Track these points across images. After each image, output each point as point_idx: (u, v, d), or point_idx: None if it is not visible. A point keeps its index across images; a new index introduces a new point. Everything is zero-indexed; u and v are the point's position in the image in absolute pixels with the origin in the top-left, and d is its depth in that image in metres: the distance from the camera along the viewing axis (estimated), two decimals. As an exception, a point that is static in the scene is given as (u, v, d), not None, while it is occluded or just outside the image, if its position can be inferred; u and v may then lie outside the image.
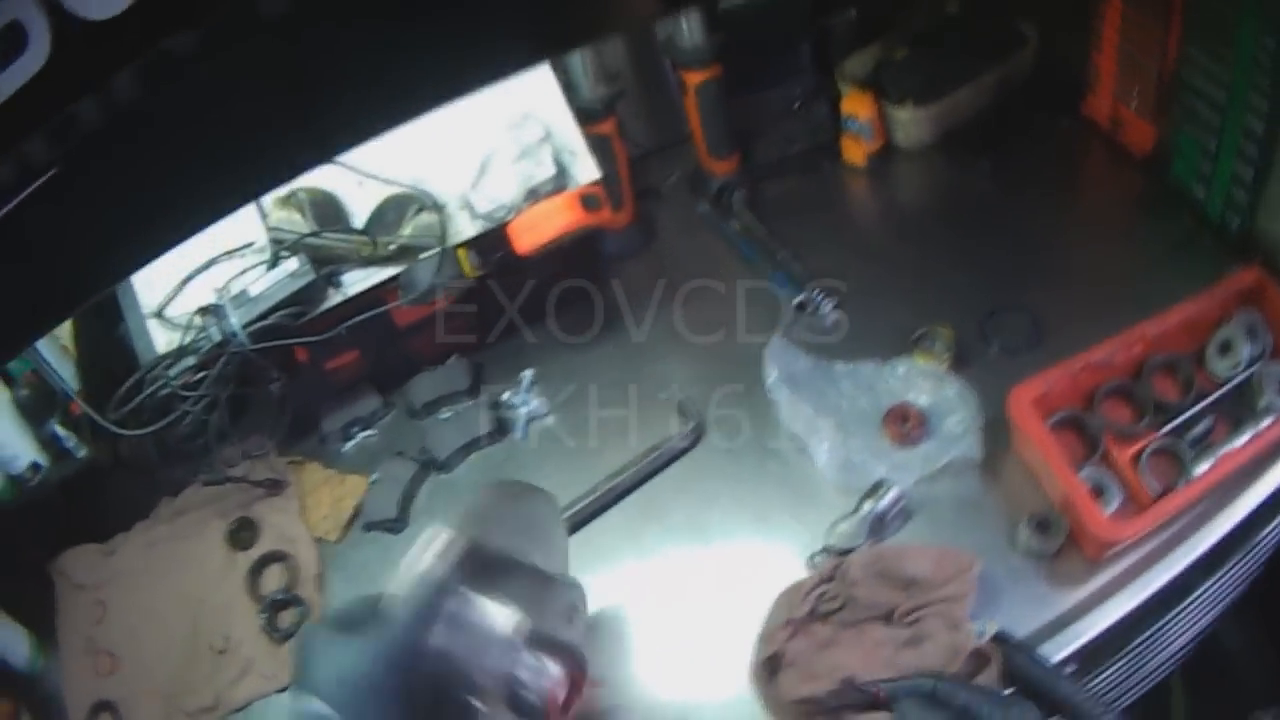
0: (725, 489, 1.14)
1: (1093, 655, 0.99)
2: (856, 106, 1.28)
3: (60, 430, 1.27)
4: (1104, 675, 1.06)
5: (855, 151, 1.32)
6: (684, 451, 1.15)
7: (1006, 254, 1.23)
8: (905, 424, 1.14)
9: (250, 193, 0.78)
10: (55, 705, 1.22)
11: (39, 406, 1.27)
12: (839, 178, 1.33)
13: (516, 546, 0.88)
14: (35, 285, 0.70)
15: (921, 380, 1.16)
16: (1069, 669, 0.96)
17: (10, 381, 1.27)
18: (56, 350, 1.30)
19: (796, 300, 1.22)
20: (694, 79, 1.24)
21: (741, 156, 1.32)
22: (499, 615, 0.80)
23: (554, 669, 0.82)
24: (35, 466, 1.29)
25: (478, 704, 0.77)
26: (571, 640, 0.86)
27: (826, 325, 1.22)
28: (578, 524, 1.13)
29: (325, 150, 0.69)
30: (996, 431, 1.08)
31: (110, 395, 1.20)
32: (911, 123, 1.30)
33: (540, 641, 0.82)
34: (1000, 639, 0.95)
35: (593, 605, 1.04)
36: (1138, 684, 1.14)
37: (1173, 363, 1.08)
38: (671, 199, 1.35)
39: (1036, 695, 0.93)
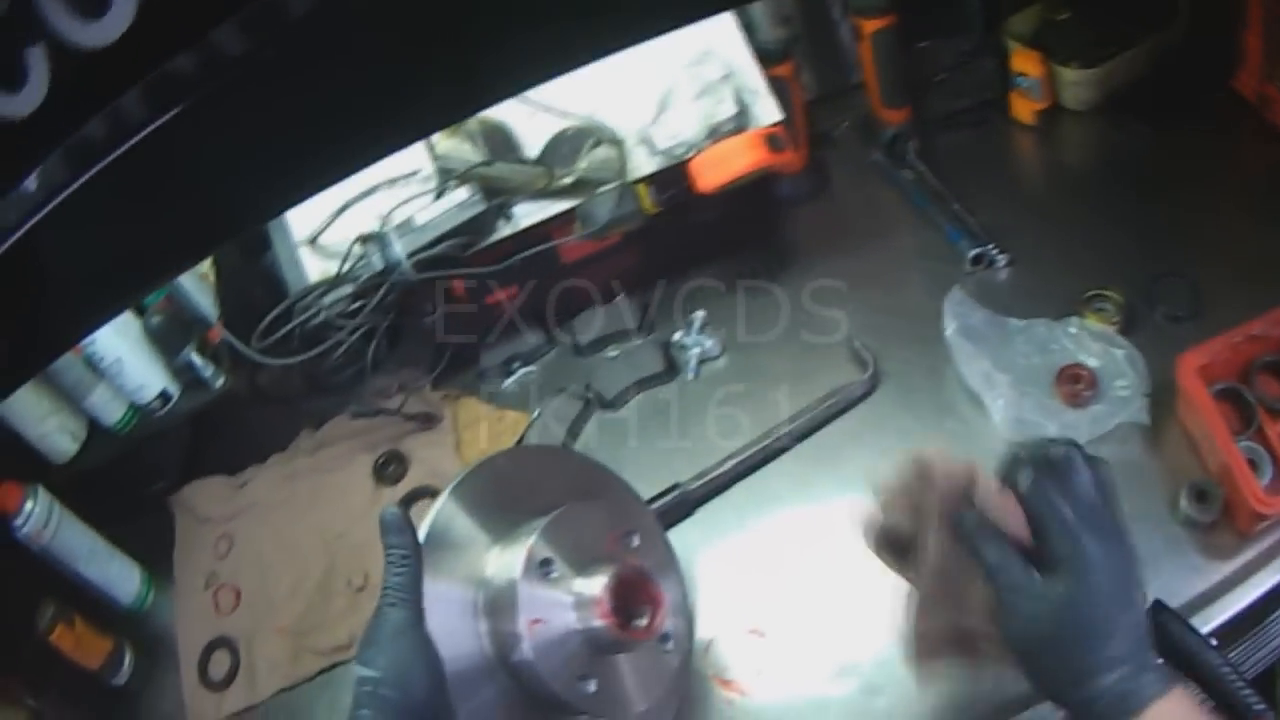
0: (899, 441, 1.11)
1: (1235, 629, 0.97)
2: (1026, 64, 1.26)
3: (197, 359, 1.23)
4: (1238, 649, 1.05)
5: (1024, 109, 1.30)
6: (859, 400, 1.13)
7: (1167, 221, 1.21)
8: (1077, 384, 1.11)
9: (414, 134, 0.74)
10: (164, 642, 1.19)
11: (173, 334, 1.24)
12: (1007, 134, 1.31)
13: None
14: (185, 212, 0.66)
15: (1092, 342, 1.14)
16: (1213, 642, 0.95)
17: (142, 309, 1.23)
18: (194, 277, 1.26)
19: (972, 253, 1.19)
20: (870, 26, 1.22)
21: (912, 108, 1.30)
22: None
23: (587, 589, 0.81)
24: (165, 396, 1.26)
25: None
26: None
27: (1000, 280, 1.20)
28: (749, 470, 1.10)
29: (499, 92, 0.65)
30: (1159, 398, 1.07)
31: (253, 324, 1.16)
32: (1079, 84, 1.28)
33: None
34: (1157, 607, 0.94)
35: (758, 551, 1.04)
36: (1259, 661, 1.14)
37: (1318, 342, 1.06)
38: (842, 147, 1.32)
39: (1188, 667, 0.91)
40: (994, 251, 1.20)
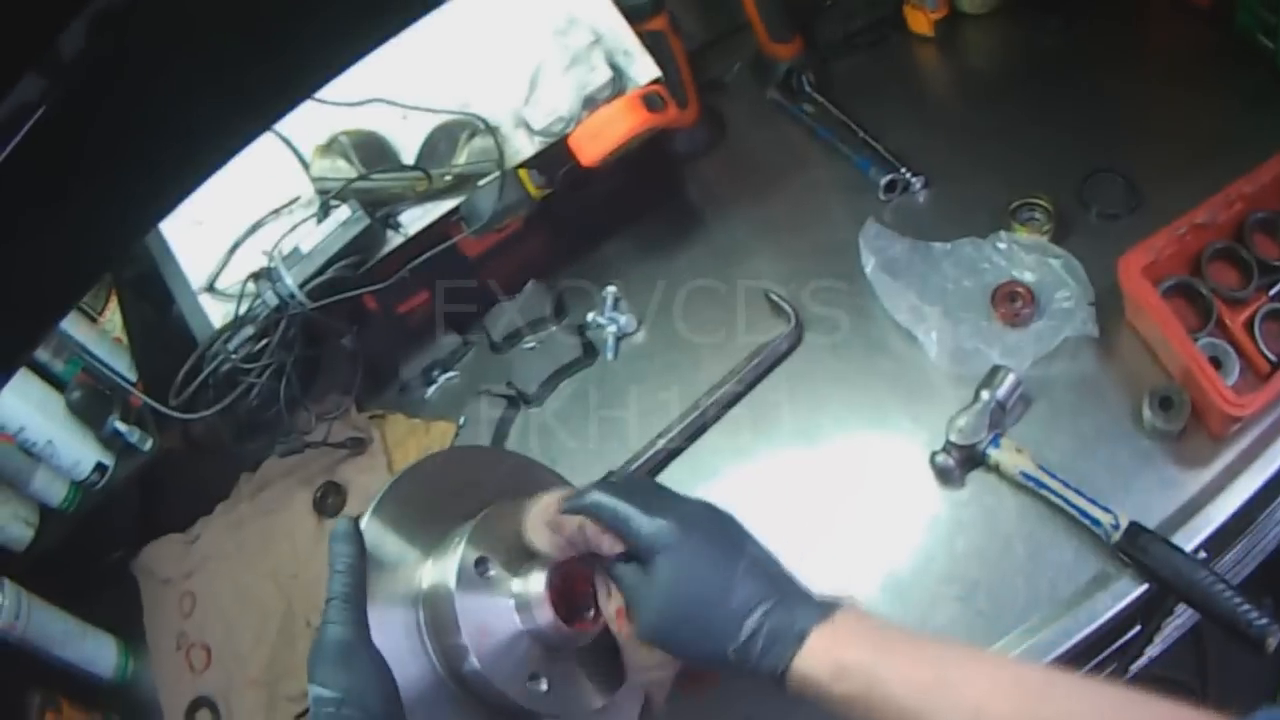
0: (834, 390, 1.07)
1: (1222, 539, 0.93)
2: (915, -28, 1.20)
3: (122, 426, 1.22)
4: (1228, 556, 1.01)
5: (920, 21, 1.23)
6: (786, 354, 1.08)
7: (1088, 115, 1.15)
8: (1015, 303, 1.06)
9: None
10: (150, 710, 1.18)
11: (96, 405, 1.22)
12: (907, 49, 1.24)
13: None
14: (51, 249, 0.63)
15: (1025, 255, 1.09)
16: (1201, 555, 0.90)
17: (61, 385, 1.22)
18: (108, 344, 1.24)
19: (885, 180, 1.14)
20: (743, -41, 1.16)
21: (803, 39, 1.23)
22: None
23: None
24: (100, 468, 1.25)
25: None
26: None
27: (919, 205, 1.14)
28: (682, 445, 1.07)
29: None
30: (1105, 304, 1.01)
31: (171, 381, 1.14)
32: None
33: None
34: (1135, 530, 0.89)
35: None
36: (1255, 560, 1.09)
37: (1271, 220, 0.99)
38: (736, 91, 1.26)
39: (1177, 589, 0.87)
40: (908, 175, 1.15)
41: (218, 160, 0.62)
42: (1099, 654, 0.99)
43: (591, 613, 0.77)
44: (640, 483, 0.81)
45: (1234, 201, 0.98)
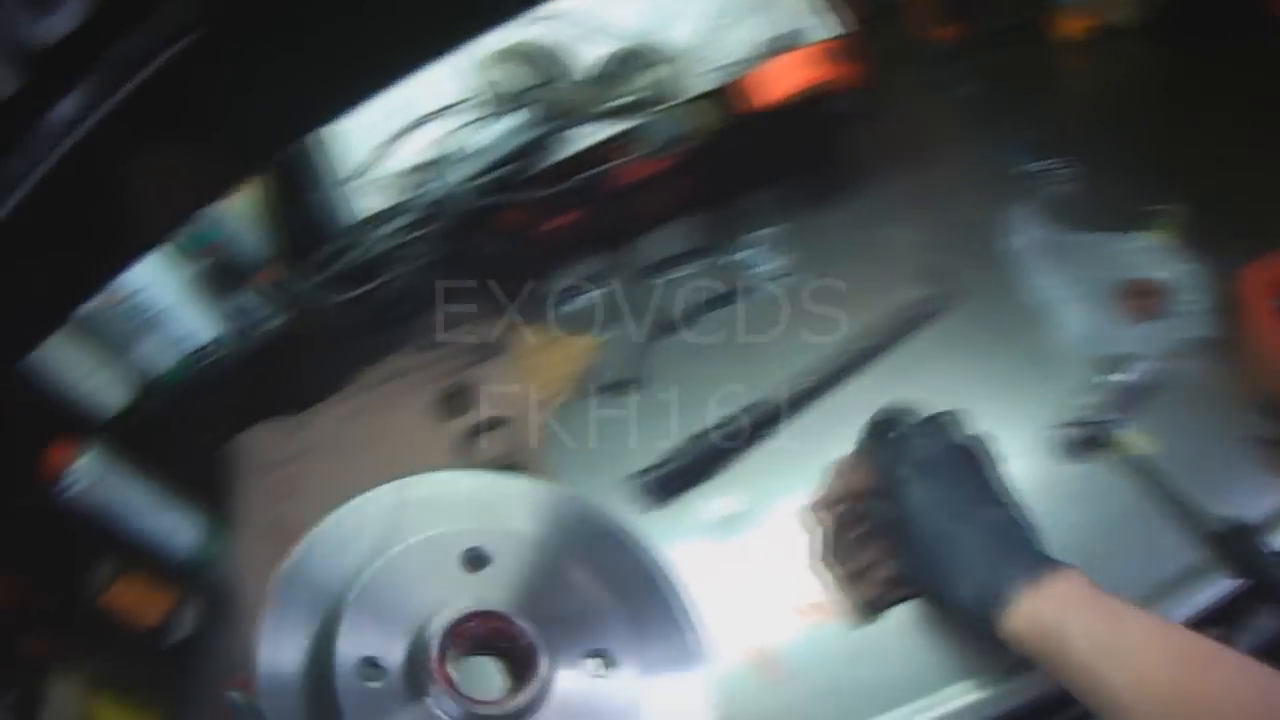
0: (972, 358, 1.10)
1: None
2: (1073, -21, 1.25)
3: (249, 302, 1.21)
4: None
5: (1071, 25, 1.28)
6: (930, 317, 1.11)
7: (1225, 135, 1.19)
8: (1145, 299, 1.11)
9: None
10: (227, 593, 1.16)
11: (223, 277, 1.21)
12: (1056, 51, 1.29)
13: None
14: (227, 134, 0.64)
15: (1156, 255, 1.14)
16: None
17: (188, 254, 1.21)
18: (244, 218, 1.23)
19: (1032, 169, 1.18)
20: (920, -59, 1.20)
21: (961, 24, 1.28)
22: None
23: None
24: (216, 342, 1.23)
25: None
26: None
27: (1061, 197, 1.18)
28: (821, 389, 1.09)
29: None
30: (1224, 312, 1.07)
31: (307, 263, 1.14)
32: (1124, 1, 1.27)
33: None
34: (1235, 528, 0.93)
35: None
36: None
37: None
38: (895, 63, 1.30)
39: (1268, 592, 0.91)
40: (1054, 167, 1.19)
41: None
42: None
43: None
44: (910, 443, 0.88)
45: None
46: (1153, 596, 0.95)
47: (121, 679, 1.10)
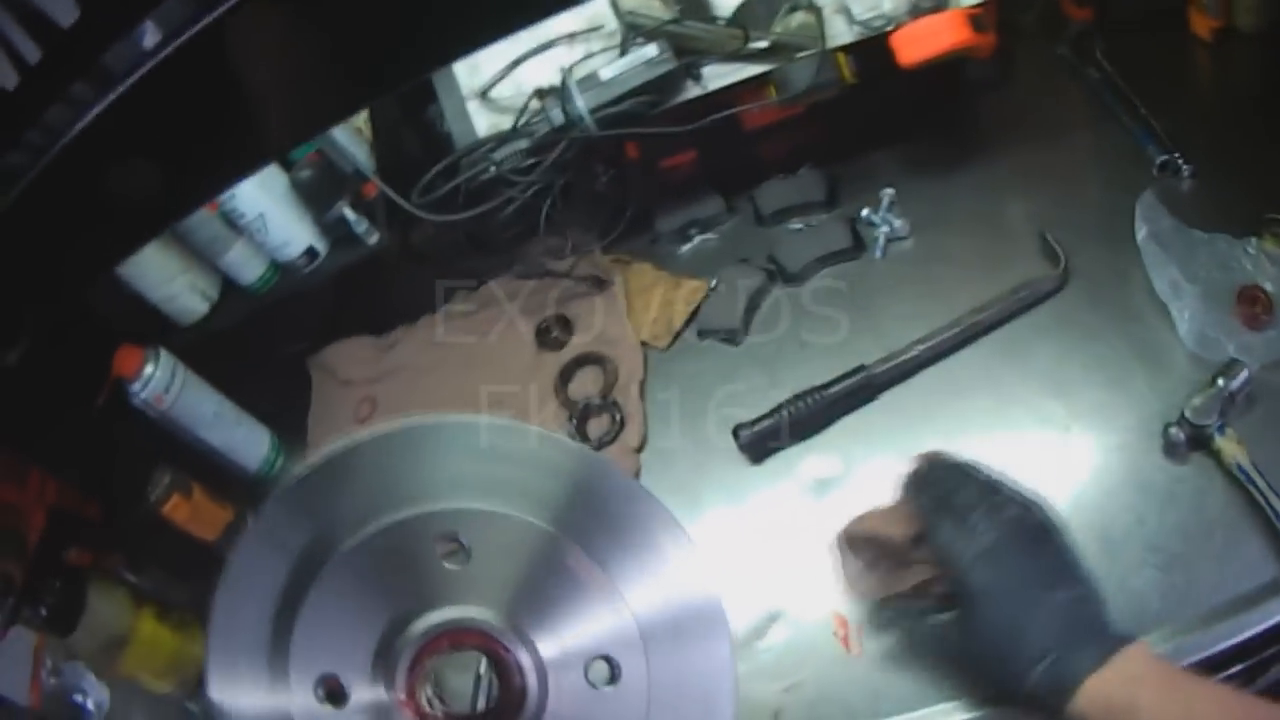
0: (1084, 342, 1.08)
1: None
2: (1204, -21, 1.23)
3: (349, 214, 1.18)
4: None
5: (1201, 24, 1.26)
6: (1049, 295, 1.09)
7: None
8: (1255, 306, 1.09)
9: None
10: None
11: (324, 188, 1.18)
12: (1185, 47, 1.27)
13: None
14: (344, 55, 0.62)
15: (1270, 265, 1.12)
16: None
17: (289, 163, 1.17)
18: (349, 130, 1.20)
19: (1159, 159, 1.16)
20: (1063, -80, 1.18)
21: (1096, 6, 1.26)
22: None
23: None
24: (311, 253, 1.20)
25: None
26: None
27: (1182, 191, 1.17)
28: (934, 357, 1.07)
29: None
30: None
31: (411, 180, 1.11)
32: (1249, 7, 1.24)
33: None
34: None
35: (940, 441, 0.96)
36: None
37: None
38: (1028, 37, 1.28)
39: None
40: (1180, 160, 1.17)
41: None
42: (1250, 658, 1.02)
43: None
44: (969, 519, 0.81)
45: None
46: (1230, 607, 0.94)
47: (167, 593, 1.08)
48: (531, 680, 0.63)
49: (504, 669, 0.62)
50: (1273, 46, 1.28)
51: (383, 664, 0.61)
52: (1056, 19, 1.28)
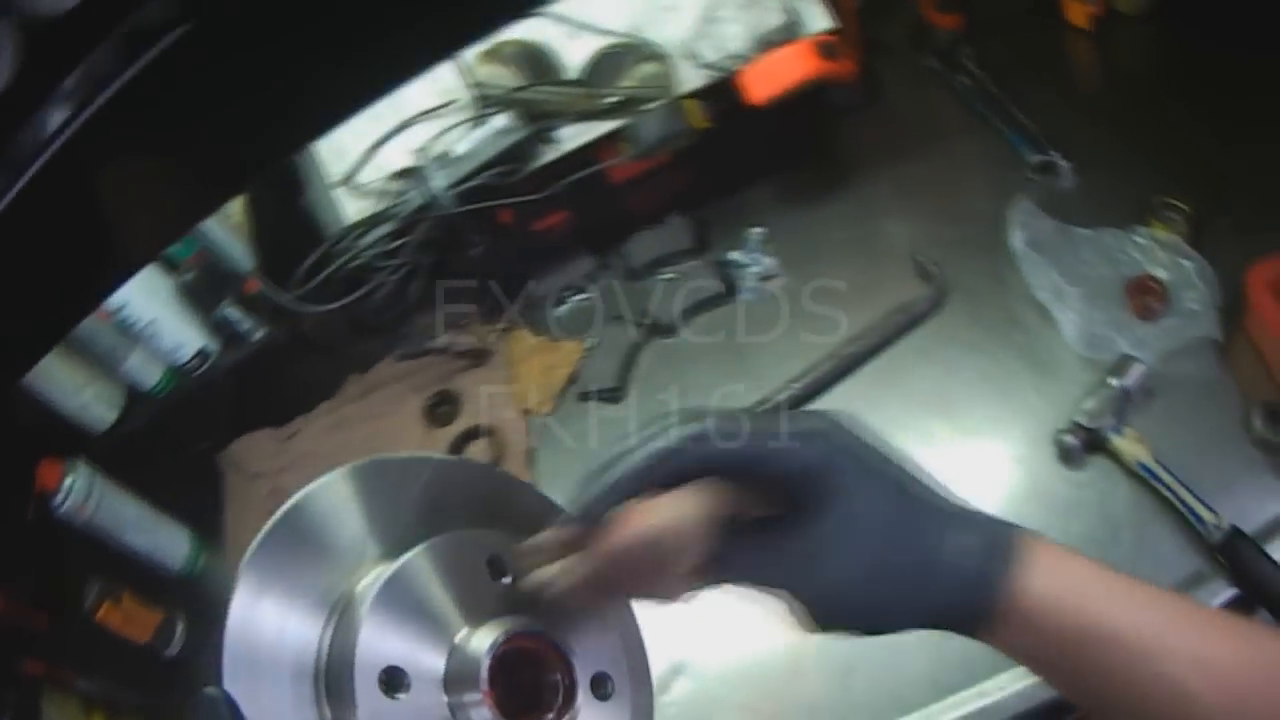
0: (968, 358, 1.07)
1: None
2: (1076, -35, 1.21)
3: (234, 313, 1.19)
4: None
5: (1077, 13, 1.24)
6: (925, 316, 1.08)
7: (1233, 129, 1.15)
8: (1147, 297, 1.08)
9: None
10: (216, 607, 1.15)
11: (208, 289, 1.20)
12: (1062, 40, 1.25)
13: None
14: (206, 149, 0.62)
15: (1160, 252, 1.10)
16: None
17: (174, 265, 1.19)
18: (227, 228, 1.22)
19: (1035, 161, 1.15)
20: (918, -72, 1.16)
21: (963, 12, 1.24)
22: None
23: None
24: (203, 354, 1.22)
25: None
26: None
27: (1063, 189, 1.15)
28: (815, 392, 1.06)
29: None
30: (1230, 312, 1.03)
31: (290, 272, 1.12)
32: None
33: None
34: (1235, 534, 0.90)
35: None
36: None
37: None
38: (895, 53, 1.27)
39: (1265, 599, 0.88)
40: (1057, 158, 1.15)
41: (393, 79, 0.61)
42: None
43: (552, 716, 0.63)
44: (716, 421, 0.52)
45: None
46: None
47: (113, 698, 1.10)
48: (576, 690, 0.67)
49: (565, 674, 0.65)
50: (1153, 24, 1.26)
51: (460, 661, 0.63)
52: (923, 30, 1.27)
